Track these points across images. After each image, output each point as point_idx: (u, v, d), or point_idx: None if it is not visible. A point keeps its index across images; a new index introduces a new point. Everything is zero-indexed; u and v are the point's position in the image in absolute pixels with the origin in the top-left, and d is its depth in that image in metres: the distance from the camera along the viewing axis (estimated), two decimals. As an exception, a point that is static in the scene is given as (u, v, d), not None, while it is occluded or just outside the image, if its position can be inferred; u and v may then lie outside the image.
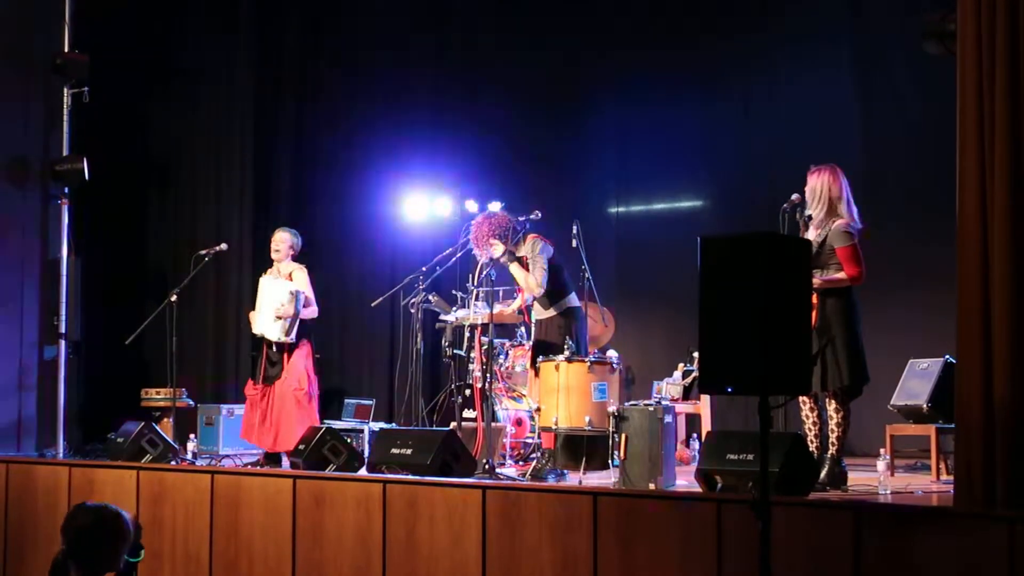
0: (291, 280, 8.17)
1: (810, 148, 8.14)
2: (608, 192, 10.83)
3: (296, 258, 8.32)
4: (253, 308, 8.34)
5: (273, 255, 8.31)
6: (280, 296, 8.03)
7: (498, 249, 7.70)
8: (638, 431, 6.18)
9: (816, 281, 6.02)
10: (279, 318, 8.00)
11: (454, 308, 8.63)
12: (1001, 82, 4.69)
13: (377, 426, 9.37)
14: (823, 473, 6.00)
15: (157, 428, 8.20)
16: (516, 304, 8.31)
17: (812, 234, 6.21)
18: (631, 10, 10.48)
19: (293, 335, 8.04)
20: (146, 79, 11.04)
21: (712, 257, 4.39)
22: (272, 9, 11.65)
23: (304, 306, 8.12)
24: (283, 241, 8.28)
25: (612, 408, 6.38)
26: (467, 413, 8.04)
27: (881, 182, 8.82)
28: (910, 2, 8.29)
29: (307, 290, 8.17)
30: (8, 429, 9.12)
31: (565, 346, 7.28)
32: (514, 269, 7.78)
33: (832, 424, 6.14)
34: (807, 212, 6.25)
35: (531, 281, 7.69)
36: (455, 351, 8.54)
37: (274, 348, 8.12)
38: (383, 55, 11.56)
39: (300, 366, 8.10)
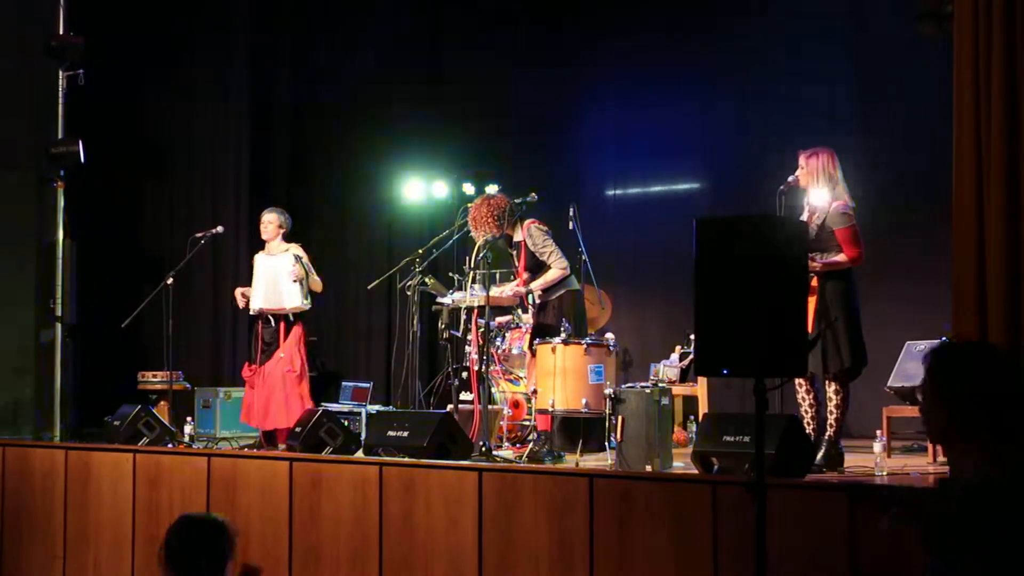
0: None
1: (807, 131, 8.12)
2: (605, 175, 10.80)
3: (288, 238, 8.33)
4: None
5: (263, 236, 8.33)
6: (285, 265, 8.07)
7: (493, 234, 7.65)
8: (635, 413, 6.19)
9: (816, 265, 6.03)
10: (295, 281, 8.03)
11: (451, 290, 8.62)
12: (997, 64, 4.69)
13: (374, 408, 9.37)
14: (819, 455, 6.01)
15: (154, 411, 8.20)
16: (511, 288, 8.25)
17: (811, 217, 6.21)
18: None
19: (309, 300, 8.09)
20: (142, 61, 10.99)
21: (708, 239, 4.37)
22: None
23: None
24: (270, 222, 8.30)
25: (609, 390, 6.39)
26: (464, 395, 8.04)
27: (878, 164, 8.79)
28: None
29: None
30: (5, 413, 9.10)
31: (562, 328, 7.26)
32: (540, 281, 7.64)
33: (831, 406, 6.14)
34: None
35: (553, 274, 7.57)
36: (452, 333, 8.53)
37: (271, 324, 8.16)
38: (381, 36, 11.53)
39: (293, 347, 8.13)
